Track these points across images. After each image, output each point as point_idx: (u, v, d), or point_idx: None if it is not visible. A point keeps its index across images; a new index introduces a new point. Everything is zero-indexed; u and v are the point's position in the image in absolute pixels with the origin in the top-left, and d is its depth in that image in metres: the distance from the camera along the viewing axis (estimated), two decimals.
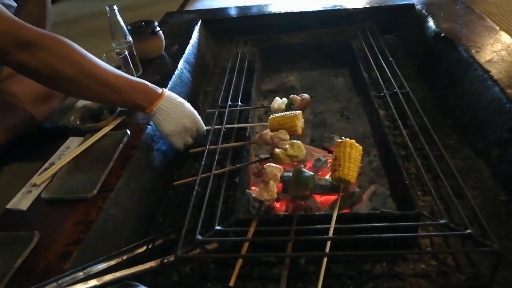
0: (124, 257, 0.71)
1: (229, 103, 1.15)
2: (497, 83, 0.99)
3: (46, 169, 0.88)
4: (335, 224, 0.73)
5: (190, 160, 1.08)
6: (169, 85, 1.18)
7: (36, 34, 0.78)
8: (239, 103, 1.16)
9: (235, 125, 1.10)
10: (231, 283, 0.67)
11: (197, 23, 1.64)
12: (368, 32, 1.47)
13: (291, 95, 1.10)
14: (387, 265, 0.75)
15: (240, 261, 0.71)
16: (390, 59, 1.29)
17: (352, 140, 0.87)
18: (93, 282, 0.64)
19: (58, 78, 0.82)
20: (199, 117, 0.99)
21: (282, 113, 1.01)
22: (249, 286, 0.73)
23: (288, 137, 0.93)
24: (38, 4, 1.18)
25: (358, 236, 0.74)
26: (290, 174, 0.89)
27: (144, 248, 0.76)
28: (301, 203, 0.88)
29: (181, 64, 1.33)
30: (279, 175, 0.84)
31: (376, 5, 1.66)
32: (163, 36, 1.41)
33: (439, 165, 0.86)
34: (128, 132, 0.98)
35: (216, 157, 0.93)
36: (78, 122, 1.03)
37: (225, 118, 1.08)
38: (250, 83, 1.30)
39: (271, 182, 0.82)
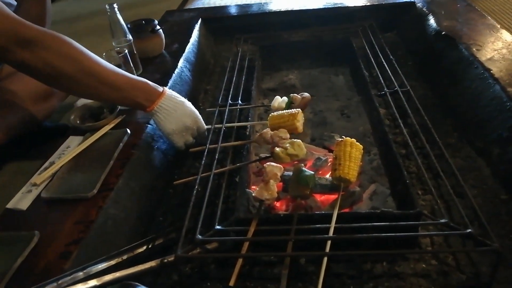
0: (124, 257, 0.71)
1: (229, 101, 1.14)
2: (498, 81, 0.99)
3: (46, 168, 0.88)
4: (336, 223, 0.73)
5: (190, 159, 1.08)
6: (169, 84, 1.18)
7: (36, 32, 0.78)
8: (239, 101, 1.16)
9: (235, 124, 1.10)
10: (231, 283, 0.67)
11: (197, 22, 1.64)
12: (368, 30, 1.46)
13: (291, 94, 1.10)
14: (387, 264, 0.74)
15: (240, 261, 0.71)
16: (391, 57, 1.28)
17: (353, 139, 0.87)
18: (93, 282, 0.64)
19: (58, 76, 0.82)
20: (199, 116, 0.98)
21: (281, 112, 1.00)
22: (249, 285, 0.73)
23: (288, 136, 0.93)
24: (37, 2, 1.17)
25: (359, 236, 0.74)
26: (291, 173, 0.89)
27: (144, 247, 0.76)
28: (301, 202, 0.88)
29: (181, 63, 1.33)
30: (279, 174, 0.84)
31: (376, 3, 1.66)
32: (163, 35, 1.40)
33: (439, 164, 0.85)
34: (128, 131, 0.98)
35: (216, 156, 0.92)
36: (78, 121, 1.03)
37: (225, 117, 1.08)
38: (250, 81, 1.30)
39: (271, 181, 0.82)
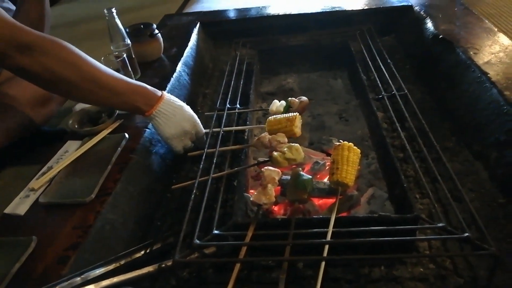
0: (122, 262, 0.71)
1: (228, 105, 1.15)
2: (495, 85, 0.99)
3: (44, 173, 0.89)
4: (333, 227, 0.73)
5: (189, 163, 1.08)
6: (167, 88, 1.18)
7: (35, 37, 0.78)
8: (238, 105, 1.16)
9: (234, 128, 1.10)
10: (229, 287, 0.67)
11: (196, 26, 1.65)
12: (366, 33, 1.47)
13: (289, 98, 1.10)
14: (385, 268, 0.75)
15: (238, 265, 0.71)
16: (388, 61, 1.29)
17: (350, 143, 0.87)
18: (91, 287, 0.64)
19: (57, 81, 0.82)
20: (198, 120, 0.98)
21: (278, 116, 1.00)
22: None
23: (286, 140, 0.93)
24: (36, 7, 1.17)
25: (356, 240, 0.74)
26: (288, 177, 0.89)
27: (142, 252, 0.76)
28: (299, 206, 0.88)
29: (179, 67, 1.33)
30: (277, 178, 0.84)
31: (374, 7, 1.66)
32: (161, 39, 1.41)
33: (437, 168, 0.86)
34: (126, 135, 0.98)
35: (215, 160, 0.93)
36: (76, 126, 1.03)
37: (224, 121, 1.08)
38: (249, 85, 1.30)
39: (269, 185, 0.82)
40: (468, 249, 0.76)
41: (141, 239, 0.83)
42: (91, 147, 0.95)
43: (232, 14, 1.78)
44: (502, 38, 1.22)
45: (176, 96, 0.98)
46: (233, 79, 1.28)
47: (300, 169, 0.91)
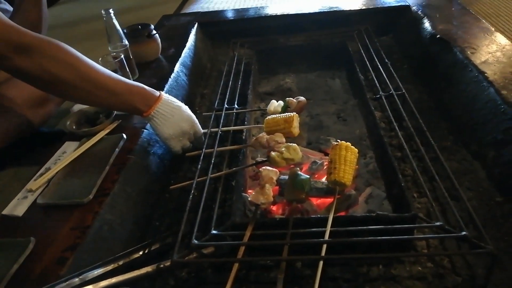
0: (120, 263, 0.71)
1: (226, 106, 1.15)
2: (492, 84, 1.00)
3: (41, 174, 0.88)
4: (331, 227, 0.73)
5: (187, 163, 1.08)
6: (165, 88, 1.18)
7: (33, 38, 0.78)
8: (236, 105, 1.17)
9: (232, 128, 1.10)
10: (228, 287, 0.67)
11: (194, 26, 1.65)
12: (364, 33, 1.47)
13: (287, 98, 1.10)
14: (383, 267, 0.75)
15: (236, 265, 0.71)
16: (386, 60, 1.29)
17: (348, 143, 0.87)
18: None
19: (55, 82, 0.82)
20: (196, 121, 0.98)
21: (276, 116, 1.01)
22: None
23: (284, 140, 0.93)
24: (34, 8, 1.17)
25: (354, 239, 0.74)
26: (286, 177, 0.89)
27: (140, 253, 0.76)
28: (297, 206, 0.89)
29: (177, 67, 1.33)
30: (275, 178, 0.84)
31: (372, 7, 1.67)
32: (159, 39, 1.41)
33: (434, 167, 0.86)
34: (124, 136, 0.98)
35: (213, 161, 0.93)
36: (74, 127, 1.03)
37: (222, 121, 1.08)
38: (247, 85, 1.30)
39: (267, 185, 0.82)
40: (465, 248, 0.76)
41: (139, 240, 0.83)
42: (89, 148, 0.95)
43: (230, 14, 1.78)
44: (499, 38, 1.22)
45: (174, 97, 0.98)
46: (231, 79, 1.28)
47: (298, 169, 0.91)
